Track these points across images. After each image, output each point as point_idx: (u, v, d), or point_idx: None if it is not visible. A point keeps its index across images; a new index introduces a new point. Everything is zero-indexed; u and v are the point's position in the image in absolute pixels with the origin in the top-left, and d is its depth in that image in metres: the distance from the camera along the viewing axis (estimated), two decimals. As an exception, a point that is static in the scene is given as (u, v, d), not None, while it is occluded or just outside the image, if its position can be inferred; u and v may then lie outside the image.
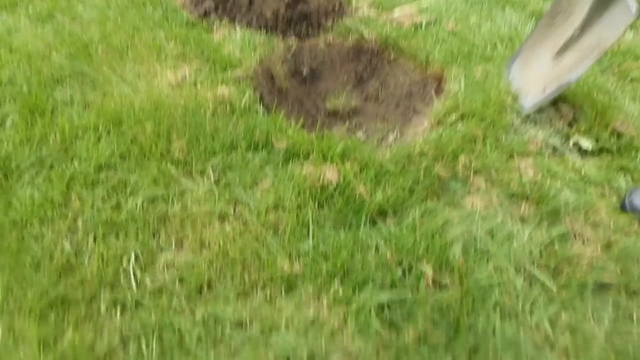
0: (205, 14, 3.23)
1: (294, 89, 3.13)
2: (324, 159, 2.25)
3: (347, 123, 3.22)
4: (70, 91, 2.58)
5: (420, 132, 2.75)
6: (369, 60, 3.31)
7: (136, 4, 3.38)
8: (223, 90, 2.58)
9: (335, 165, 2.22)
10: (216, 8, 3.22)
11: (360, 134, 3.18)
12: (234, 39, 3.05)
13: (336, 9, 3.34)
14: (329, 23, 3.34)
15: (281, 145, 2.27)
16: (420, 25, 3.35)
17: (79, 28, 3.10)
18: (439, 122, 2.59)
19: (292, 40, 3.21)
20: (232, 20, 3.22)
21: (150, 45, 2.96)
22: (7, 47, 2.89)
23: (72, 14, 3.23)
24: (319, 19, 3.27)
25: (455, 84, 2.85)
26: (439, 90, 2.98)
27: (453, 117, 2.59)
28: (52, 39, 2.98)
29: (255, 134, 2.35)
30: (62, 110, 2.45)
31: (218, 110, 2.50)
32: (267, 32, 3.20)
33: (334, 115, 3.22)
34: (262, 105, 2.66)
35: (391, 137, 3.07)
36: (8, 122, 2.37)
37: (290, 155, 2.27)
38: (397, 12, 3.47)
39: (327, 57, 3.29)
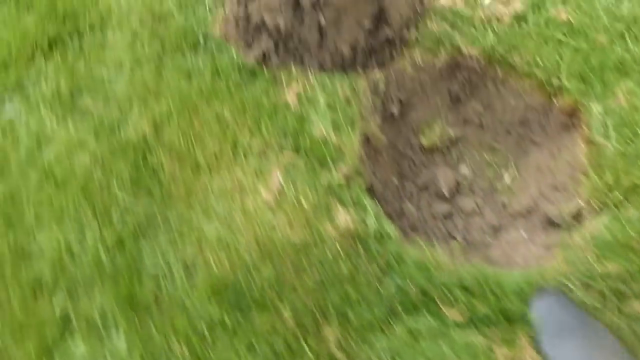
0: (264, 58, 2.57)
1: (388, 142, 2.67)
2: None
3: (447, 157, 2.83)
4: (158, 253, 2.18)
5: (563, 199, 2.41)
6: (467, 77, 2.75)
7: (169, 48, 2.67)
8: (342, 217, 2.19)
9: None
10: (276, 47, 2.55)
11: (464, 169, 2.82)
12: (317, 103, 2.48)
13: (417, 8, 2.65)
14: (413, 34, 2.68)
15: (454, 314, 2.00)
16: (524, 17, 2.69)
17: (117, 112, 2.51)
18: (602, 202, 2.21)
19: (376, 74, 2.62)
20: (300, 62, 2.57)
21: (218, 133, 2.43)
22: (47, 174, 2.37)
23: (100, 89, 2.58)
24: (402, 32, 2.62)
25: (595, 121, 2.39)
26: (569, 124, 2.54)
27: (615, 194, 2.21)
28: (95, 146, 2.43)
29: (407, 286, 2.06)
30: (162, 292, 2.09)
31: (345, 247, 2.16)
32: (344, 70, 2.59)
33: (431, 152, 2.82)
34: (386, 215, 2.29)
35: (507, 177, 2.72)
36: (112, 330, 2.05)
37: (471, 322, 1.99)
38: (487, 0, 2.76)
39: (416, 82, 2.73)
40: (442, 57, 2.69)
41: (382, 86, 2.62)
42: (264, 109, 2.47)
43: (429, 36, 2.70)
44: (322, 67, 2.57)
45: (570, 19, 2.66)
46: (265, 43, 2.54)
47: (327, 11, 2.38)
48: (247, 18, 2.58)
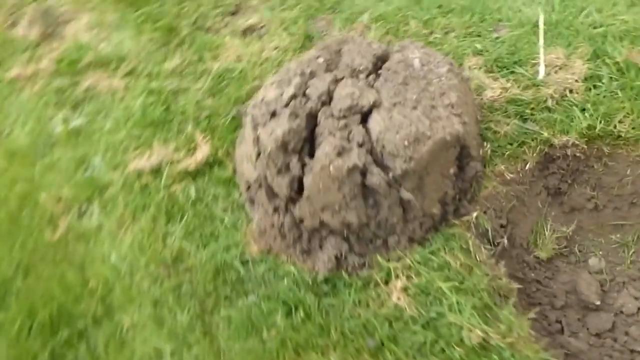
0: (338, 262, 1.94)
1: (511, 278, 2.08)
2: None
3: (570, 257, 2.27)
4: None
5: None
6: (565, 166, 2.22)
7: (210, 300, 2.00)
8: None
9: None
10: (350, 246, 1.94)
11: (594, 262, 2.26)
12: (434, 292, 1.87)
13: (477, 116, 2.11)
14: (486, 148, 2.13)
15: None
16: (597, 76, 2.20)
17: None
18: None
19: (471, 214, 2.04)
20: (384, 247, 1.97)
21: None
22: None
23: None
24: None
25: None
26: None
27: None
28: None
29: None
30: None
31: None
32: (437, 230, 2.00)
33: (552, 261, 2.25)
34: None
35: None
36: None
37: None
38: (542, 71, 2.26)
39: (511, 197, 2.18)
40: (530, 157, 2.15)
41: (482, 224, 2.04)
42: (372, 326, 1.82)
43: (504, 141, 2.16)
44: (412, 240, 1.97)
45: (646, 56, 2.19)
46: (334, 245, 1.93)
47: (408, 182, 1.80)
48: (296, 224, 1.96)
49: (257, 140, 1.94)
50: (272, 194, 1.99)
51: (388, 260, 1.96)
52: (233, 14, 3.00)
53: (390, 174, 1.78)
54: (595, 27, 2.36)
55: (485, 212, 2.09)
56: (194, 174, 2.37)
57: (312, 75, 2.04)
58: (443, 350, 1.75)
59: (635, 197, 2.21)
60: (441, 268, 1.92)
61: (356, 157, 1.75)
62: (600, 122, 2.07)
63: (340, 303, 1.92)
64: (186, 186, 2.34)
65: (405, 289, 1.89)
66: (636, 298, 2.19)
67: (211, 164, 2.39)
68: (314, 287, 1.98)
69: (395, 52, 2.02)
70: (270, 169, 1.91)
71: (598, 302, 2.16)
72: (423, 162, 1.80)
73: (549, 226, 2.28)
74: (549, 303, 2.25)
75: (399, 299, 1.88)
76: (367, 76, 1.98)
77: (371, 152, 1.82)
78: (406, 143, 1.75)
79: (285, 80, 2.01)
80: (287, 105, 1.93)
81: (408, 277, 1.92)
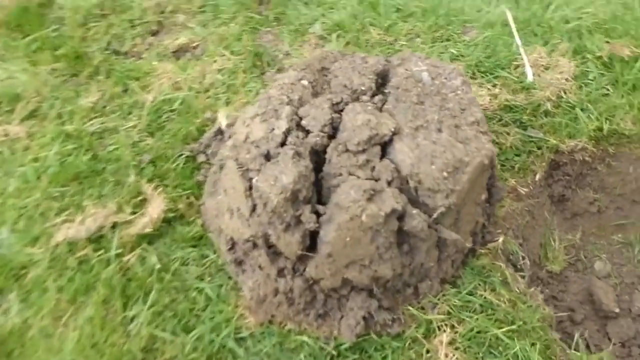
0: (367, 324, 1.61)
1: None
2: None
3: (578, 265, 2.16)
4: None
5: None
6: (569, 172, 2.08)
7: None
8: None
9: None
10: (379, 302, 1.62)
11: (600, 267, 2.18)
12: (485, 344, 1.60)
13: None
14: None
15: None
16: (585, 73, 2.09)
17: None
18: None
19: (497, 239, 1.82)
20: (414, 295, 1.67)
21: None
22: None
23: None
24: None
25: None
26: None
27: None
28: None
29: None
30: None
31: None
32: (466, 263, 1.75)
33: (560, 274, 2.13)
34: None
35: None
36: None
37: None
38: (530, 73, 2.09)
39: (526, 212, 1.99)
40: (539, 167, 1.97)
41: (510, 249, 1.82)
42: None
43: (510, 153, 1.95)
44: (444, 282, 1.68)
45: (635, 50, 2.10)
46: (360, 305, 1.58)
47: (447, 218, 1.50)
48: (310, 287, 1.58)
49: (251, 191, 1.53)
50: (274, 254, 1.59)
51: (422, 310, 1.65)
52: (155, 33, 2.51)
53: (431, 214, 1.47)
54: (567, 22, 2.24)
55: (505, 234, 1.86)
56: (151, 237, 1.88)
57: (301, 102, 1.67)
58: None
59: (637, 195, 2.12)
60: (485, 310, 1.65)
61: (392, 200, 1.41)
62: (606, 122, 1.93)
63: (375, 375, 1.57)
64: (143, 253, 1.85)
65: (452, 343, 1.59)
66: (650, 296, 2.10)
67: (171, 220, 1.91)
68: (339, 358, 1.62)
69: (396, 66, 1.71)
70: (275, 225, 1.51)
71: (617, 310, 2.04)
72: (463, 194, 1.51)
73: (556, 236, 2.11)
74: (569, 319, 2.10)
75: (447, 355, 1.57)
76: (372, 97, 1.65)
77: (401, 190, 1.49)
78: (445, 174, 1.45)
79: (270, 112, 1.62)
80: (283, 144, 1.54)
81: (452, 327, 1.62)
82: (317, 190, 1.57)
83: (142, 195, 1.98)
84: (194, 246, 1.86)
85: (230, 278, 1.80)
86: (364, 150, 1.49)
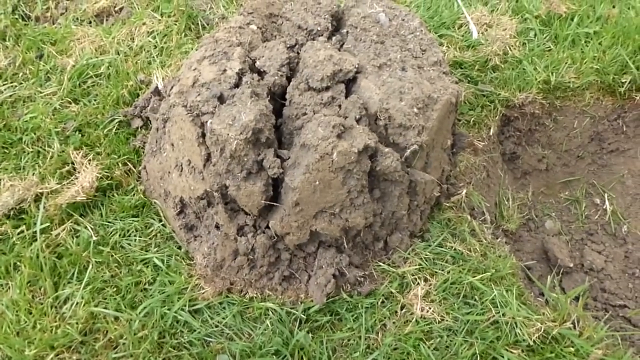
0: (337, 282, 1.50)
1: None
2: None
3: (530, 224, 2.19)
4: None
5: None
6: (520, 127, 2.09)
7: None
8: None
9: None
10: (350, 259, 1.51)
11: (550, 225, 2.22)
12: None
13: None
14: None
15: None
16: (528, 30, 2.11)
17: None
18: None
19: (460, 192, 1.78)
20: (384, 250, 1.58)
21: None
22: None
23: None
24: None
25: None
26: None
27: None
28: None
29: None
30: None
31: None
32: (433, 218, 1.69)
33: (517, 232, 2.15)
34: None
35: (601, 201, 2.19)
36: None
37: None
38: (475, 31, 2.09)
39: (482, 168, 1.97)
40: (492, 121, 1.95)
41: (475, 202, 1.77)
42: (402, 352, 1.41)
43: (465, 107, 1.92)
44: (412, 235, 1.59)
45: (571, 7, 2.15)
46: (330, 262, 1.45)
47: (418, 160, 1.42)
48: (273, 245, 1.44)
49: (204, 138, 1.37)
50: (233, 211, 1.43)
51: (394, 265, 1.55)
52: (70, -3, 2.26)
53: (402, 155, 1.38)
54: (504, -17, 2.26)
55: (469, 188, 1.81)
56: (84, 208, 1.65)
57: (251, 46, 1.53)
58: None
59: (581, 150, 2.16)
60: (457, 260, 1.58)
61: (364, 135, 1.31)
62: (552, 75, 1.94)
63: (350, 334, 1.45)
64: (76, 226, 1.62)
65: (427, 295, 1.50)
66: (599, 252, 2.13)
67: (106, 189, 1.69)
68: (308, 323, 1.48)
69: (350, 7, 1.62)
70: (234, 174, 1.35)
71: (571, 265, 2.06)
72: (433, 133, 1.43)
73: (509, 195, 2.10)
74: (526, 277, 2.09)
75: (423, 309, 1.48)
76: (329, 38, 1.54)
77: (370, 129, 1.39)
78: (416, 110, 1.37)
79: (219, 55, 1.47)
80: (237, 84, 1.39)
81: (425, 280, 1.53)
82: (276, 139, 1.43)
83: (69, 165, 1.74)
84: (135, 215, 1.65)
85: (180, 248, 1.61)
86: (327, 88, 1.37)
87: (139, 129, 1.82)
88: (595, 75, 1.98)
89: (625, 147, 2.15)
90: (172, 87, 1.57)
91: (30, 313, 1.47)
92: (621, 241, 2.16)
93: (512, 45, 2.03)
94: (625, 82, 1.97)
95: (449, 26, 2.13)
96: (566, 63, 1.99)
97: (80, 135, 1.81)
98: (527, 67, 1.95)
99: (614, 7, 2.17)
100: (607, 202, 2.17)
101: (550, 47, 2.06)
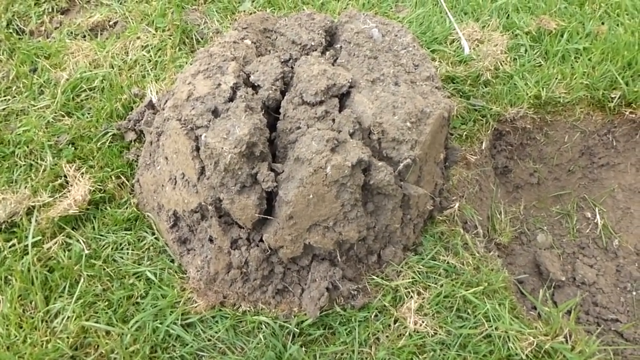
0: (330, 295, 1.50)
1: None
2: None
3: (522, 237, 2.20)
4: None
5: None
6: (512, 141, 2.11)
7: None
8: None
9: None
10: (343, 272, 1.52)
11: (542, 239, 2.24)
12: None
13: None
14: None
15: None
16: (518, 46, 2.14)
17: None
18: None
19: (453, 205, 1.79)
20: (377, 263, 1.59)
21: None
22: None
23: None
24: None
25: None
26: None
27: None
28: None
29: None
30: None
31: None
32: (426, 231, 1.70)
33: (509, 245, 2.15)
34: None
35: (592, 215, 2.21)
36: None
37: None
38: (466, 46, 2.12)
39: (474, 182, 1.98)
40: (484, 135, 1.97)
41: (468, 215, 1.78)
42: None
43: (457, 122, 1.94)
44: (406, 249, 1.60)
45: (560, 24, 2.19)
46: (323, 275, 1.46)
47: (411, 174, 1.43)
48: (267, 258, 1.44)
49: (198, 151, 1.37)
50: (227, 224, 1.43)
51: (387, 278, 1.55)
52: (65, 12, 2.27)
53: (396, 169, 1.39)
54: (494, 0, 2.29)
55: (461, 201, 1.82)
56: (76, 221, 1.65)
57: (246, 60, 1.54)
58: None
59: (572, 164, 2.18)
60: (450, 274, 1.58)
61: (358, 149, 1.32)
62: (543, 90, 1.97)
63: (343, 348, 1.45)
64: (68, 239, 1.61)
65: (420, 309, 1.51)
66: (591, 266, 2.14)
67: (99, 202, 1.69)
68: (301, 336, 1.47)
69: (344, 23, 1.64)
70: (228, 187, 1.35)
71: (563, 278, 2.06)
72: (426, 147, 1.44)
73: (502, 208, 2.11)
74: (518, 290, 2.10)
75: (416, 322, 1.48)
76: (322, 53, 1.56)
77: (364, 143, 1.40)
78: (409, 124, 1.38)
79: (213, 69, 1.48)
80: (232, 98, 1.40)
81: (419, 294, 1.53)
82: (271, 152, 1.44)
83: (62, 179, 1.74)
84: (128, 229, 1.65)
85: (172, 261, 1.60)
86: (321, 102, 1.39)
87: (133, 142, 1.82)
88: (585, 90, 2.01)
89: (616, 162, 2.17)
90: (166, 101, 1.57)
91: (21, 327, 1.46)
92: (612, 255, 2.17)
93: (503, 61, 2.05)
94: (615, 97, 2.00)
95: (441, 42, 2.15)
96: (556, 78, 2.02)
97: (73, 148, 1.80)
98: (518, 82, 1.97)
99: (603, 23, 2.21)
100: (598, 216, 2.18)
101: (540, 62, 2.09)
